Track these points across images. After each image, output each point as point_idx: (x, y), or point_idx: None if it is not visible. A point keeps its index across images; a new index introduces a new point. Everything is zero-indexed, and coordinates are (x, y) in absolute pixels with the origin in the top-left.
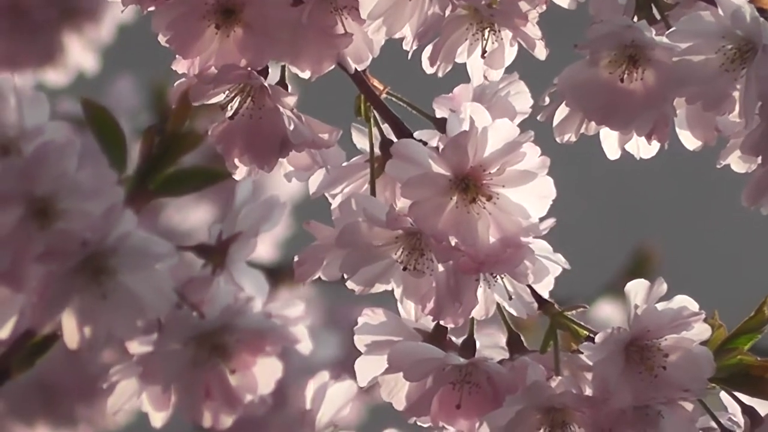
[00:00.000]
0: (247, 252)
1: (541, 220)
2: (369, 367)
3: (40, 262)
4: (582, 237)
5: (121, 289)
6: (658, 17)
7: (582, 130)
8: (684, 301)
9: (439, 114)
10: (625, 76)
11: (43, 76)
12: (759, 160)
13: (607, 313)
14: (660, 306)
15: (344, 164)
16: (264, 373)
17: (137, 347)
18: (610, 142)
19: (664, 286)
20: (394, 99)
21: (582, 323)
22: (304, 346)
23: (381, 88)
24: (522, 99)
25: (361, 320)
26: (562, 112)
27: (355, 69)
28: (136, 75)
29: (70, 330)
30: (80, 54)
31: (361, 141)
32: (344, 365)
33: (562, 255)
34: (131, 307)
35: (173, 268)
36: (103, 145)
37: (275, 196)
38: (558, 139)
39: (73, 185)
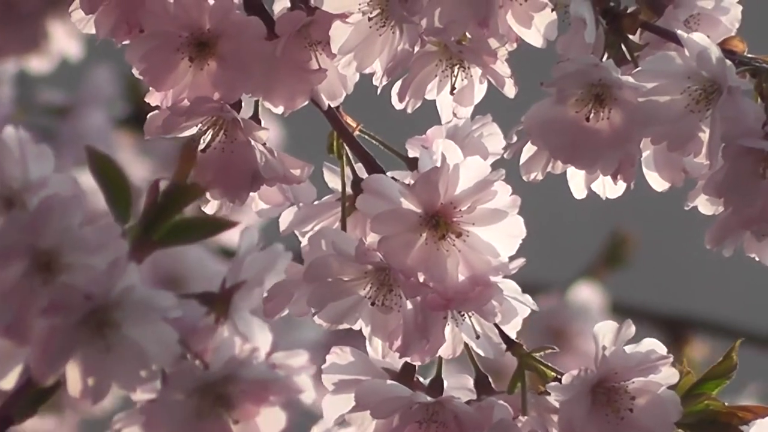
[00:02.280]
0: (251, 301)
1: (511, 259)
2: (337, 405)
3: (44, 316)
4: (559, 221)
5: (125, 342)
6: (629, 57)
7: (549, 169)
8: (652, 345)
9: (411, 154)
10: (591, 115)
11: (26, 63)
12: (722, 201)
13: (584, 296)
14: (628, 348)
15: (315, 203)
16: (267, 424)
17: (140, 395)
18: (577, 180)
19: (632, 329)
20: (367, 137)
21: (550, 365)
22: (308, 395)
23: (354, 125)
24: (494, 140)
25: (329, 359)
26: (528, 150)
27: (329, 105)
28: (117, 63)
29: (74, 380)
30: (64, 41)
31: (332, 180)
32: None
33: (540, 240)
34: (135, 359)
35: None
36: (107, 195)
37: (279, 245)
38: (524, 178)
39: (78, 239)
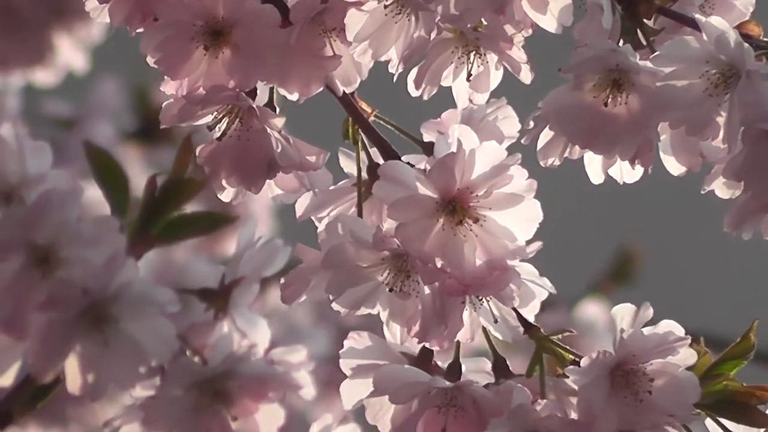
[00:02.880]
0: (250, 297)
1: (528, 242)
2: (354, 390)
3: (41, 311)
4: (566, 236)
5: (123, 337)
6: (644, 42)
7: (566, 154)
8: (670, 326)
9: (427, 138)
10: (609, 100)
11: (32, 75)
12: (741, 185)
13: (591, 313)
14: (646, 330)
15: (331, 188)
16: (266, 420)
17: (139, 391)
18: (594, 166)
19: (650, 311)
20: (382, 122)
21: (567, 348)
22: (307, 391)
23: (369, 111)
24: (509, 124)
25: (346, 344)
26: (546, 135)
27: (344, 92)
28: (123, 75)
29: (73, 376)
30: (70, 53)
31: (348, 165)
32: (333, 361)
33: (547, 254)
34: (133, 354)
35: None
36: (106, 190)
37: (278, 240)
38: (542, 163)
39: (75, 233)
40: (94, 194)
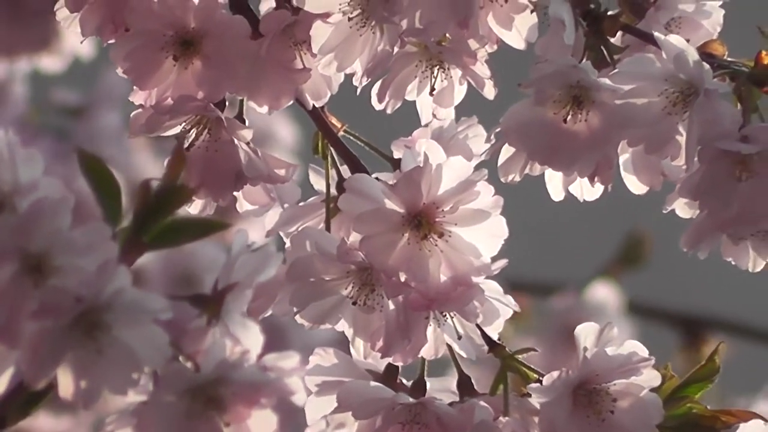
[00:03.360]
0: (243, 303)
1: (493, 259)
2: (319, 406)
3: (34, 319)
4: (575, 221)
5: (116, 344)
6: (609, 59)
7: (527, 170)
8: (634, 347)
9: (397, 155)
10: (569, 117)
11: (38, 62)
12: (697, 204)
13: (600, 296)
14: (609, 350)
15: (300, 204)
16: (259, 426)
17: (132, 397)
18: (555, 183)
19: (615, 331)
20: (352, 138)
21: (531, 366)
22: (299, 397)
23: (339, 125)
24: (479, 142)
25: (312, 360)
26: (506, 151)
27: (313, 105)
28: None
29: (66, 383)
30: (75, 40)
31: (317, 182)
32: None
33: (557, 239)
34: (126, 362)
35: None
36: (98, 196)
37: (271, 246)
38: (502, 179)
39: (68, 241)
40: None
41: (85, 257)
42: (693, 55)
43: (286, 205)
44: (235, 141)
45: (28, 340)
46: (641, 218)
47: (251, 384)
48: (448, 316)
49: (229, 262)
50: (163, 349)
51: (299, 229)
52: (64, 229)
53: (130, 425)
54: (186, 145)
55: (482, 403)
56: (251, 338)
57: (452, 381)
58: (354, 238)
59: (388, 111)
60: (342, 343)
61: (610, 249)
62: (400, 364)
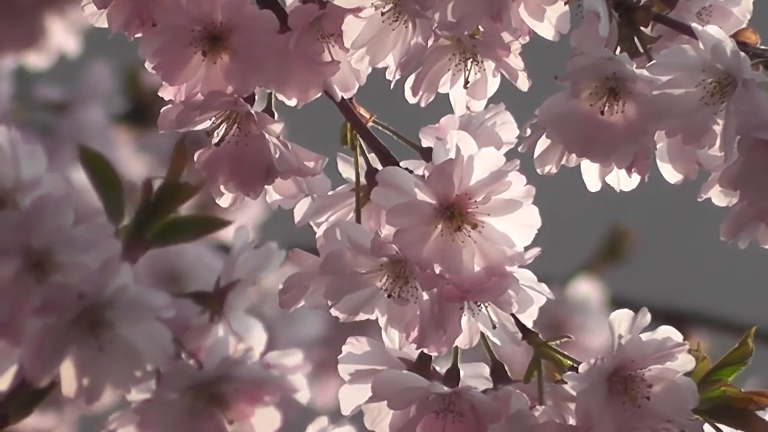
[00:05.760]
0: (245, 300)
1: (527, 248)
2: (353, 395)
3: (37, 316)
4: (558, 216)
5: (119, 341)
6: (641, 50)
7: (563, 162)
8: (668, 332)
9: (425, 144)
10: (606, 108)
11: (24, 58)
12: (737, 194)
13: (583, 291)
14: (644, 336)
15: (330, 193)
16: (262, 423)
17: (135, 394)
18: (591, 174)
19: (648, 317)
20: (380, 128)
21: (564, 353)
22: (303, 395)
23: (367, 116)
24: (508, 129)
25: (345, 349)
26: (542, 143)
27: (342, 97)
28: (115, 58)
29: (69, 380)
30: (62, 36)
31: (346, 170)
32: (327, 343)
33: (540, 232)
34: (129, 359)
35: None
36: (100, 194)
37: (272, 244)
38: (539, 171)
39: (70, 238)
40: (84, 180)
41: (87, 254)
42: (730, 45)
43: (315, 196)
44: (266, 135)
45: (30, 337)
46: (624, 214)
47: (254, 381)
48: (482, 305)
49: (231, 259)
50: (166, 347)
51: (329, 218)
52: (66, 226)
53: (133, 422)
54: (216, 140)
55: (518, 391)
56: (254, 335)
57: (485, 367)
58: (387, 230)
59: (422, 104)
60: (328, 341)
61: (593, 244)
62: (435, 354)
